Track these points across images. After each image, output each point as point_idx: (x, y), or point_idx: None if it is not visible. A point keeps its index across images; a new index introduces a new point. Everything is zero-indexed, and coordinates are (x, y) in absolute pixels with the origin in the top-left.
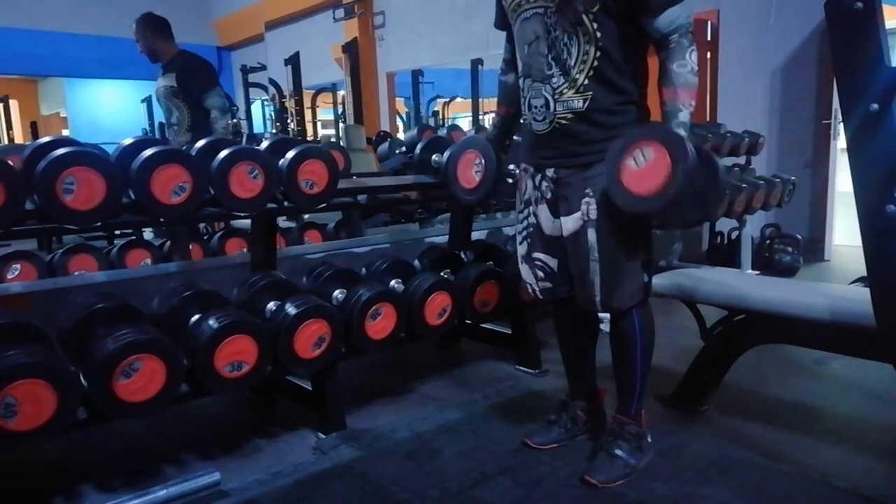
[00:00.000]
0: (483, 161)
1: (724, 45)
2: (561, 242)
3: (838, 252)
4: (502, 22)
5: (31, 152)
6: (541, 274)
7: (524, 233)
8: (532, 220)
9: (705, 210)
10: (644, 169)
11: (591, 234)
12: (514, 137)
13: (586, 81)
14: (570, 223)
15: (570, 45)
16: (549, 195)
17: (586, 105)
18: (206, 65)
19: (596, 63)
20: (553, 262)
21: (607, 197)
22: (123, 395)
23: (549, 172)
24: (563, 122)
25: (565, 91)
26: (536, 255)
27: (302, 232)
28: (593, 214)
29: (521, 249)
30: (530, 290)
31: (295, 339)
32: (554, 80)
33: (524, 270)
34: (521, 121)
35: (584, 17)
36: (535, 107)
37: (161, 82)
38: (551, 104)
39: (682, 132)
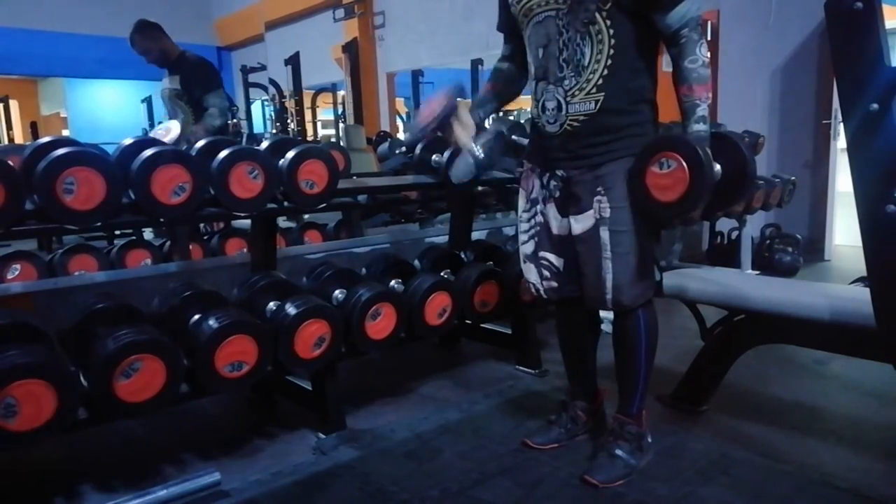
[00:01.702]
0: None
1: (724, 45)
2: (569, 241)
3: (838, 252)
4: (506, 25)
5: (31, 152)
6: (546, 273)
7: (531, 232)
8: (539, 218)
9: (735, 201)
10: (667, 177)
11: (604, 233)
12: (515, 137)
13: (600, 82)
14: (581, 222)
15: (583, 46)
16: (557, 194)
17: (598, 106)
18: (209, 67)
19: (610, 62)
20: (559, 262)
21: (621, 195)
22: (123, 395)
23: (559, 172)
24: (575, 124)
25: (577, 93)
26: (543, 254)
27: (302, 232)
28: (606, 213)
29: (527, 249)
30: (534, 290)
31: (295, 339)
32: (566, 82)
33: (528, 270)
34: (533, 122)
35: (596, 15)
36: (549, 109)
37: (166, 84)
38: (563, 106)
39: (702, 126)
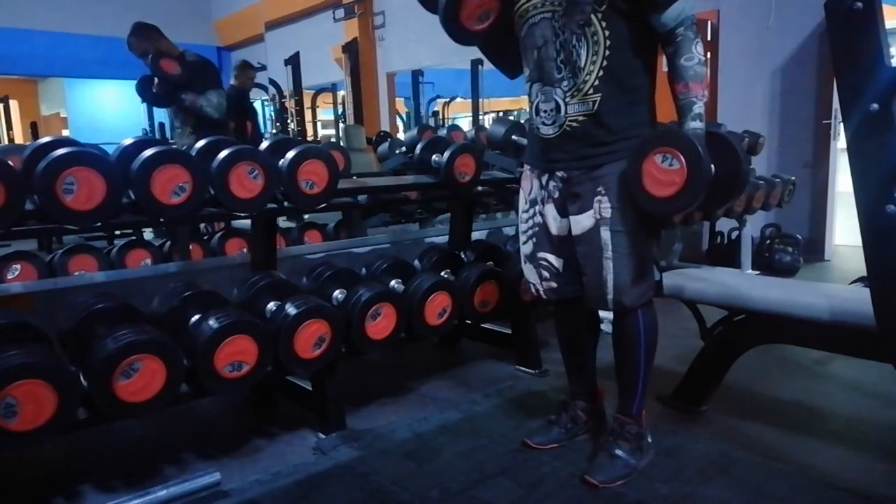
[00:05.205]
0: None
1: (724, 45)
2: (568, 242)
3: (838, 252)
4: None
5: (31, 152)
6: (546, 274)
7: (529, 232)
8: (538, 219)
9: (728, 201)
10: (666, 173)
11: (605, 233)
12: (514, 137)
13: (597, 83)
14: (581, 221)
15: (579, 47)
16: (556, 194)
17: (597, 107)
18: (209, 66)
19: (606, 63)
20: (559, 262)
21: (621, 196)
22: (123, 395)
23: (558, 173)
24: (574, 124)
25: (575, 94)
26: (542, 254)
27: (302, 232)
28: (606, 213)
29: (526, 249)
30: (533, 290)
31: (295, 339)
32: (564, 83)
33: (528, 270)
34: (530, 124)
35: (592, 17)
36: (545, 111)
37: None
38: (562, 107)
39: (698, 124)
